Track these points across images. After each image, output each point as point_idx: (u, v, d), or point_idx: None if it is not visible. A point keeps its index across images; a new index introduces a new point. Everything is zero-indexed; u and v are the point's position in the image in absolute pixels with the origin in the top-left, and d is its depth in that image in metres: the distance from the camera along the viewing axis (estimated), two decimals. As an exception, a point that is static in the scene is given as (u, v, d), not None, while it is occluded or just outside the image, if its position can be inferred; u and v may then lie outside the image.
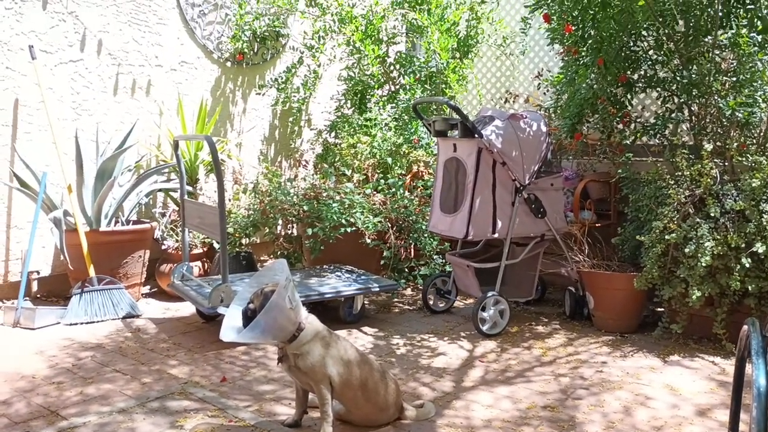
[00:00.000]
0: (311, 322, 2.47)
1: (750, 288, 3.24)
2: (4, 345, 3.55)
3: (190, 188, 4.83)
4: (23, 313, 3.87)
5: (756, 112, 3.55)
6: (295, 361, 2.40)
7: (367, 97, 5.63)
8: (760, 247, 3.16)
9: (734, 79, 3.64)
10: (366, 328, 3.89)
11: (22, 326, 3.85)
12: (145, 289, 4.70)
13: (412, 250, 4.50)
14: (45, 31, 4.35)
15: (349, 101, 5.72)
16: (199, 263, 4.60)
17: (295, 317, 2.40)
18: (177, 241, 4.58)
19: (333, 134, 5.62)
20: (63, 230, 4.12)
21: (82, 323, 3.94)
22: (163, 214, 4.88)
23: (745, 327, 1.49)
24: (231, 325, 2.43)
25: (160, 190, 4.94)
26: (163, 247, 4.61)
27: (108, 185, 4.23)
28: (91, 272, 4.12)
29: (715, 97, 3.70)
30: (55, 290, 4.50)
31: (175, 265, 4.24)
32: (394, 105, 5.36)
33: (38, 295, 4.45)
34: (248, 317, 2.35)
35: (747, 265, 3.21)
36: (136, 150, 4.84)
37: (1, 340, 3.63)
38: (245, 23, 5.29)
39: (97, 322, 3.98)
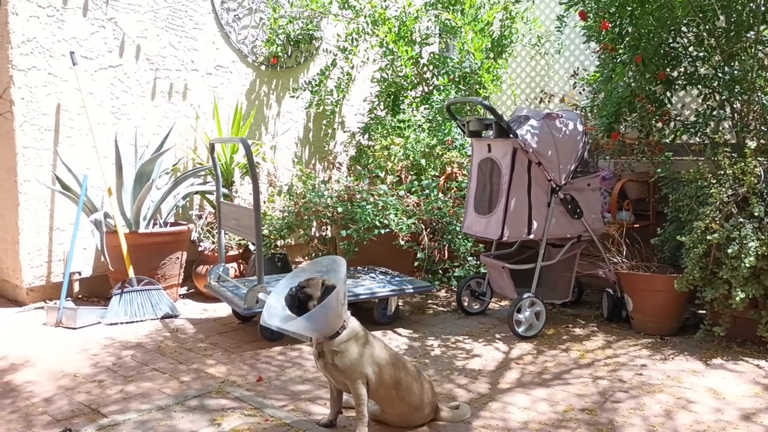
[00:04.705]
0: (351, 321, 2.50)
1: (797, 290, 3.15)
2: (47, 344, 3.64)
3: (225, 190, 4.89)
4: (65, 313, 3.96)
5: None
6: (332, 358, 2.42)
7: (401, 98, 5.63)
8: (807, 248, 3.07)
9: (778, 74, 3.55)
10: (400, 330, 3.88)
11: (64, 326, 3.94)
12: (183, 290, 4.77)
13: (446, 251, 4.47)
14: (85, 38, 4.45)
15: (382, 103, 5.73)
16: (234, 265, 4.65)
17: (342, 314, 2.45)
18: (213, 242, 4.64)
19: (366, 136, 5.63)
20: (103, 232, 4.21)
21: (122, 323, 4.01)
22: (200, 216, 4.95)
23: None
24: (273, 314, 2.49)
25: (196, 192, 5.02)
26: (200, 249, 4.68)
27: (146, 188, 4.30)
28: (131, 273, 4.19)
29: (759, 94, 3.60)
30: (96, 291, 4.60)
31: (212, 266, 4.29)
32: (427, 106, 5.35)
33: (80, 296, 4.56)
34: (301, 300, 2.40)
35: (793, 266, 3.12)
36: (173, 153, 4.92)
37: (44, 339, 3.72)
38: (279, 27, 5.34)
39: (137, 321, 4.05)
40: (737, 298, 3.20)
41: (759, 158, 3.50)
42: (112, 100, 4.62)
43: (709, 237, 3.30)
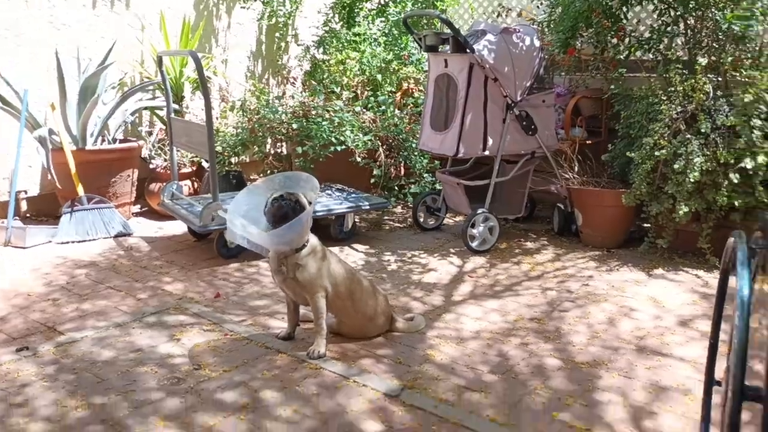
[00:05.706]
0: (311, 237, 2.54)
1: (737, 203, 3.28)
2: (-4, 264, 3.58)
3: (176, 106, 4.74)
4: (14, 233, 3.87)
5: (753, 25, 3.48)
6: (294, 272, 2.45)
7: (356, 10, 5.45)
8: (748, 163, 3.18)
9: (733, -10, 3.55)
10: (357, 246, 3.93)
11: (13, 245, 3.86)
12: (135, 209, 4.69)
13: (402, 168, 4.49)
14: (16, -61, 4.13)
15: (337, 15, 5.55)
16: (188, 182, 4.58)
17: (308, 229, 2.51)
18: (165, 160, 4.54)
19: (321, 50, 5.48)
20: (49, 149, 4.07)
21: (73, 242, 3.95)
22: (150, 133, 4.81)
23: (731, 239, 1.51)
24: (232, 230, 2.50)
25: (145, 108, 4.85)
26: (152, 167, 4.57)
27: (92, 103, 4.14)
28: (80, 191, 4.09)
29: (713, 10, 3.61)
30: (44, 209, 4.49)
31: (165, 184, 4.21)
32: (383, 19, 5.21)
33: (28, 215, 4.44)
34: (295, 211, 2.43)
35: (735, 181, 3.24)
36: (119, 67, 4.70)
37: (-7, 259, 3.65)
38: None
39: (89, 240, 3.99)
40: (681, 212, 3.33)
41: (709, 75, 3.56)
42: (50, 9, 4.35)
43: (657, 153, 3.39)
